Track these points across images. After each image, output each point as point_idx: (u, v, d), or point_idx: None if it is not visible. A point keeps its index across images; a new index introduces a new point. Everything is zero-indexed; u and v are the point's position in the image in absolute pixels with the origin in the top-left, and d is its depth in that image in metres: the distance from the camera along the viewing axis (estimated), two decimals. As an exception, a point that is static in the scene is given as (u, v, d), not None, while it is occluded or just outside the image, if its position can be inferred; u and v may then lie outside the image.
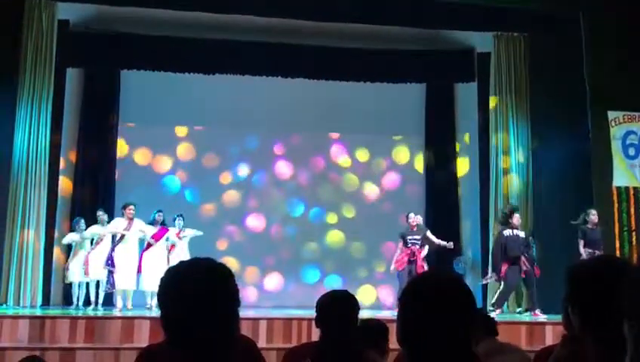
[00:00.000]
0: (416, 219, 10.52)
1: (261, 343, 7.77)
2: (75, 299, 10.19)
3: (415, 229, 10.39)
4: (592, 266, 1.92)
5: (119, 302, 9.79)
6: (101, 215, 10.18)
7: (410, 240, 10.28)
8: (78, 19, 11.23)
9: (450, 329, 1.63)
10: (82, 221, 10.24)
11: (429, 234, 10.52)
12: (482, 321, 4.34)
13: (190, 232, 10.48)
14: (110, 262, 9.81)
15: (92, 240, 10.14)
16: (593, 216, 9.39)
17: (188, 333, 1.63)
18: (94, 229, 10.07)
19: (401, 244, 10.42)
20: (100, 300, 9.90)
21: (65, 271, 10.26)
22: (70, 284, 10.32)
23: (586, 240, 9.25)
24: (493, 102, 11.35)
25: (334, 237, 12.42)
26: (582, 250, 9.15)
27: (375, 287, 12.17)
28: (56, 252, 10.83)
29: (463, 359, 1.66)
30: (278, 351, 7.20)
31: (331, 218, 12.49)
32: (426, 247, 10.46)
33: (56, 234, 10.78)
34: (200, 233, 10.55)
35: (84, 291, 10.16)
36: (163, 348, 2.15)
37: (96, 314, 8.92)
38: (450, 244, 10.55)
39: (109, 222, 10.15)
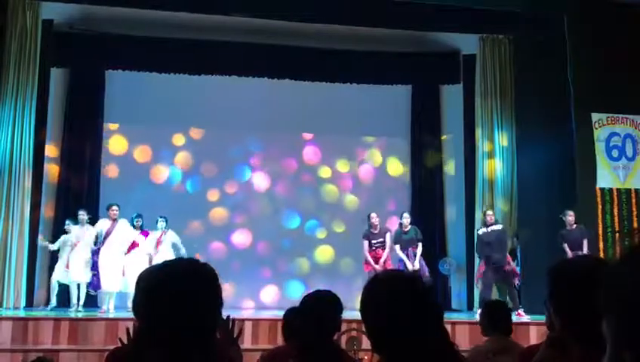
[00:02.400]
0: (378, 219, 10.18)
1: (246, 344, 7.76)
2: (53, 299, 9.97)
3: (377, 231, 10.09)
4: (572, 266, 1.93)
5: (108, 304, 9.67)
6: (82, 215, 10.02)
7: (374, 244, 10.00)
8: (63, 18, 11.17)
9: (427, 324, 1.63)
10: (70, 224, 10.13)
11: (387, 237, 10.11)
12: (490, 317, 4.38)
13: (172, 238, 10.26)
14: (94, 266, 9.74)
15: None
16: (569, 216, 9.45)
17: (175, 332, 1.63)
18: (74, 231, 9.91)
19: (366, 246, 10.06)
20: (82, 301, 9.79)
21: (51, 271, 10.14)
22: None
23: (568, 242, 9.29)
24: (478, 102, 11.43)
25: (322, 252, 12.34)
26: (568, 252, 9.14)
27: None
28: (40, 253, 10.73)
29: (446, 353, 1.66)
30: (264, 352, 7.19)
31: (321, 233, 12.39)
32: (388, 248, 10.07)
33: (39, 236, 10.68)
34: (182, 249, 10.20)
35: (56, 291, 9.98)
36: (135, 349, 2.12)
37: (80, 316, 8.85)
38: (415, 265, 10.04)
39: (90, 223, 10.05)
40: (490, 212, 10.14)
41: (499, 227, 10.00)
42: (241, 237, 12.10)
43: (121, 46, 11.38)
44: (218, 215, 12.11)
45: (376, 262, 9.88)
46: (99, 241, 9.91)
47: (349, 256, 11.91)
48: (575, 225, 9.46)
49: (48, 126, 11.13)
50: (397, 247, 10.14)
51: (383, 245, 10.03)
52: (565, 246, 9.25)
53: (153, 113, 11.78)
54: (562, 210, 9.66)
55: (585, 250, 9.23)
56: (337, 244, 12.25)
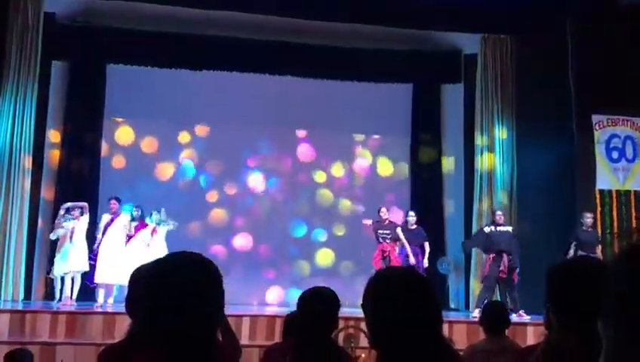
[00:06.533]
0: (388, 213, 10.25)
1: (244, 340, 7.76)
2: (57, 293, 9.95)
3: (386, 223, 10.13)
4: (570, 266, 1.93)
5: (100, 298, 9.63)
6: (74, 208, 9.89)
7: (380, 234, 10.02)
8: (65, 12, 11.16)
9: (424, 320, 1.63)
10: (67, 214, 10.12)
11: (398, 231, 10.16)
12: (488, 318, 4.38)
13: (163, 229, 10.16)
14: (93, 255, 9.70)
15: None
16: (588, 218, 9.41)
17: (173, 330, 1.55)
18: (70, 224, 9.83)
19: (375, 230, 10.14)
20: (74, 295, 9.61)
21: (50, 266, 10.11)
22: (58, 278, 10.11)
23: (579, 242, 9.24)
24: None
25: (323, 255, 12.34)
26: (571, 251, 9.12)
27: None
28: (39, 245, 10.72)
29: (440, 349, 1.66)
30: (261, 349, 7.19)
31: (322, 235, 12.39)
32: (399, 242, 10.17)
33: (38, 228, 10.68)
34: (174, 224, 10.24)
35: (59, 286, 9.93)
36: (128, 349, 2.06)
37: (77, 310, 8.83)
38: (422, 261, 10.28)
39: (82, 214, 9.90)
40: (499, 212, 10.03)
41: (509, 228, 9.94)
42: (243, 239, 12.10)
43: (123, 40, 11.34)
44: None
45: (383, 256, 9.87)
46: (98, 232, 9.86)
47: (349, 260, 11.94)
48: (591, 229, 9.42)
49: (48, 118, 11.12)
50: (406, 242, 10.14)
51: (390, 237, 10.02)
52: (573, 245, 9.20)
53: (153, 107, 11.77)
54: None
55: (598, 255, 9.14)
56: (336, 244, 12.27)
